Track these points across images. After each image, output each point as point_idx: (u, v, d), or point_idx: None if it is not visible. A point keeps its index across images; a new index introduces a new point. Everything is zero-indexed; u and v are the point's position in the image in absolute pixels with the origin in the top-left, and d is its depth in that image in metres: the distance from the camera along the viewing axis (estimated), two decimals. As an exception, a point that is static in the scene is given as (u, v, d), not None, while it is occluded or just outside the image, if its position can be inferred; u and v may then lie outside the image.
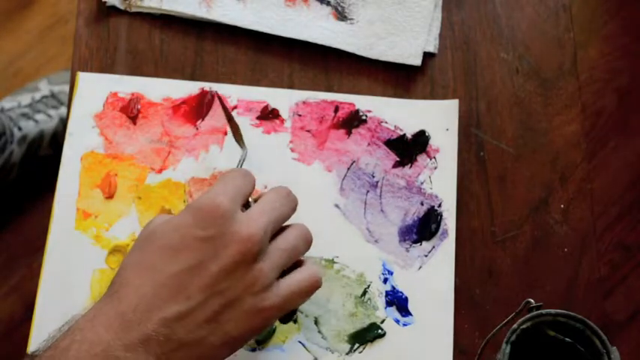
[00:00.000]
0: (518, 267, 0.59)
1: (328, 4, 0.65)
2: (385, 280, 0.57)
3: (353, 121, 0.62)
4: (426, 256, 0.58)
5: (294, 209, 0.51)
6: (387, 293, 0.57)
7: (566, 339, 0.50)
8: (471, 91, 0.63)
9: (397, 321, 0.56)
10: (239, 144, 0.58)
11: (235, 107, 0.62)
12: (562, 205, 0.60)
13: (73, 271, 0.57)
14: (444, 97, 0.63)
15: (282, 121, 0.61)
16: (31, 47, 1.28)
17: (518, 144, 0.62)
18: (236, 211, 0.47)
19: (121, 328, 0.43)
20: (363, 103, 0.62)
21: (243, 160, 0.56)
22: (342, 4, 0.65)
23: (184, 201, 0.59)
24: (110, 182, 0.59)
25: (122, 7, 0.64)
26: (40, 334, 0.54)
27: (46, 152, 1.16)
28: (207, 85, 0.62)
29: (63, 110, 1.16)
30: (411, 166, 0.60)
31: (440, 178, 0.60)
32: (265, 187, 0.59)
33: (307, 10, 0.64)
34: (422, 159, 0.61)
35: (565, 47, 0.65)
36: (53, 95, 1.18)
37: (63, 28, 1.29)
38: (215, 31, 0.64)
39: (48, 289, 0.56)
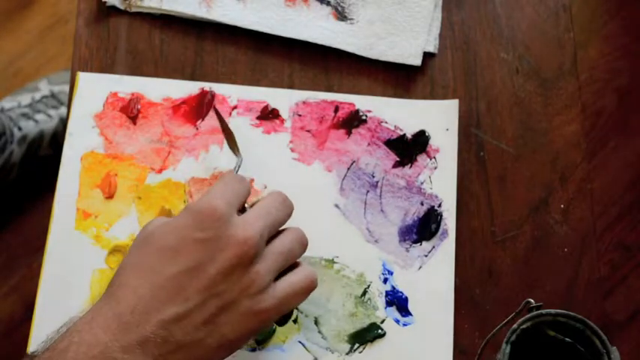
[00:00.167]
0: (518, 267, 0.59)
1: (328, 4, 0.65)
2: (385, 280, 0.57)
3: (353, 121, 0.62)
4: (426, 256, 0.58)
5: (289, 215, 0.51)
6: (387, 293, 0.57)
7: (566, 339, 0.50)
8: (471, 91, 0.63)
9: (397, 321, 0.56)
10: (234, 152, 0.59)
11: (235, 107, 0.62)
12: (562, 205, 0.60)
13: (72, 271, 0.57)
14: (444, 97, 0.63)
15: (282, 121, 0.61)
16: (31, 47, 1.28)
17: (518, 144, 0.62)
18: (232, 214, 0.47)
19: (119, 330, 0.43)
20: (363, 103, 0.62)
21: (239, 168, 0.57)
22: (342, 4, 0.65)
23: (184, 201, 0.59)
24: (110, 182, 0.59)
25: (122, 7, 0.64)
26: (39, 334, 0.54)
27: (46, 152, 1.16)
28: (207, 85, 0.62)
29: (63, 110, 1.16)
30: (411, 166, 0.60)
31: (440, 178, 0.60)
32: (265, 187, 0.59)
33: (307, 10, 0.64)
34: (422, 159, 0.61)
35: (565, 47, 0.65)
36: (53, 95, 1.18)
37: (63, 28, 1.29)
38: (215, 31, 0.64)
39: (48, 289, 0.56)
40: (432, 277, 0.57)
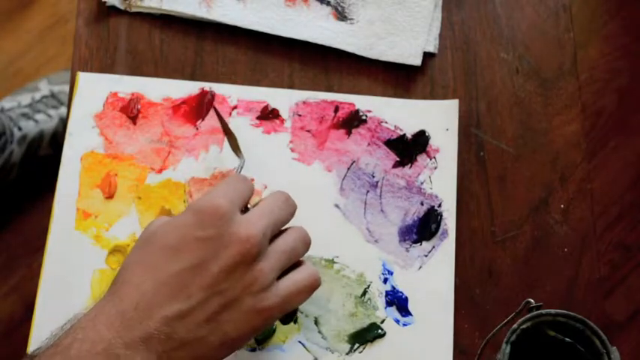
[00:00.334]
0: (518, 267, 0.59)
1: (328, 4, 0.65)
2: (385, 280, 0.57)
3: (353, 121, 0.62)
4: (426, 256, 0.58)
5: (292, 214, 0.51)
6: (387, 293, 0.57)
7: (566, 339, 0.50)
8: (471, 91, 0.63)
9: (397, 321, 0.57)
10: (236, 154, 0.59)
11: (235, 107, 0.62)
12: (562, 205, 0.60)
13: (73, 271, 0.57)
14: (444, 97, 0.63)
15: (282, 121, 0.61)
16: (31, 47, 1.28)
17: (518, 144, 0.62)
18: (235, 213, 0.47)
19: (123, 327, 0.43)
20: (363, 103, 0.62)
21: (241, 169, 0.57)
22: (342, 4, 0.65)
23: (184, 201, 0.59)
24: (110, 182, 0.59)
25: (122, 7, 0.64)
26: (40, 334, 0.54)
27: (46, 152, 1.16)
28: (207, 85, 0.62)
29: (63, 110, 1.16)
30: (411, 166, 0.60)
31: (440, 178, 0.60)
32: (265, 187, 0.59)
33: (307, 10, 0.64)
34: (422, 159, 0.61)
35: (565, 47, 0.65)
36: (53, 95, 1.18)
37: (63, 28, 1.29)
38: (215, 31, 0.64)
39: (48, 289, 0.56)
40: (432, 277, 0.57)
